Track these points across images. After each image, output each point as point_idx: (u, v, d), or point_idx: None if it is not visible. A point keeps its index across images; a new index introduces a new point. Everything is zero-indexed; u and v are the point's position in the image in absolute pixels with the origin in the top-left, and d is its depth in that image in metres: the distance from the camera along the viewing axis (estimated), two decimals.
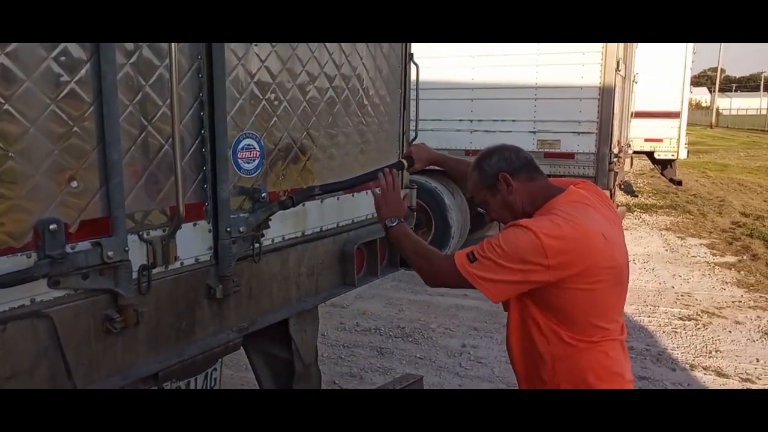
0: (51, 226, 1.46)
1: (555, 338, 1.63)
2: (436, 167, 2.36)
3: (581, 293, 1.58)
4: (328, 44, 2.30)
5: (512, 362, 1.82)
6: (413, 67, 2.86)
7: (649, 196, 12.14)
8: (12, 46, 1.37)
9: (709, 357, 4.50)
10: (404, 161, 2.33)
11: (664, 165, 11.09)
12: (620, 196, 11.72)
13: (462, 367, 4.34)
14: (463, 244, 7.01)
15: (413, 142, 2.90)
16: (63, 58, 1.47)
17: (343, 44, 2.38)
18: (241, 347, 2.44)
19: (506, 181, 1.73)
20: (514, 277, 1.56)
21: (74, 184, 1.52)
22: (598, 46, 5.88)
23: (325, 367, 4.28)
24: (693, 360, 4.44)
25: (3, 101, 1.36)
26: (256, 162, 2.04)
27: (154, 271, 1.73)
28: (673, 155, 10.41)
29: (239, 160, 1.98)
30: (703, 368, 4.31)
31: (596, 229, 1.59)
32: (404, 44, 2.77)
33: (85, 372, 1.58)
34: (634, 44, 7.50)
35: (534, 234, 1.53)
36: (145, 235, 1.70)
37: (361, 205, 2.59)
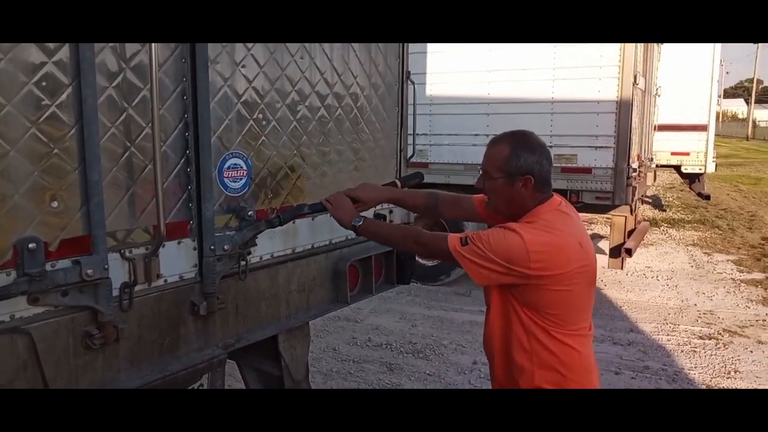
0: (30, 245, 1.50)
1: (533, 329, 1.73)
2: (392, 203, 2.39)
3: (559, 294, 1.69)
4: (319, 64, 2.33)
5: (489, 347, 1.89)
6: (411, 85, 2.87)
7: (678, 211, 11.90)
8: None
9: (728, 377, 4.37)
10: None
11: (692, 179, 10.81)
12: (647, 211, 11.51)
13: (471, 384, 4.30)
14: None
15: (411, 160, 2.92)
16: (44, 83, 1.52)
17: (335, 63, 2.41)
18: (234, 362, 2.48)
19: (527, 184, 1.75)
20: (497, 269, 1.67)
21: (54, 203, 1.57)
22: (614, 60, 5.81)
23: (333, 382, 4.29)
24: (710, 381, 4.32)
25: None
26: (243, 181, 2.07)
27: (137, 288, 1.76)
28: (700, 169, 10.16)
29: (225, 179, 2.01)
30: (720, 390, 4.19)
31: (574, 237, 1.71)
32: (401, 62, 2.79)
33: (64, 386, 1.62)
34: (655, 57, 7.39)
35: (522, 240, 1.64)
36: (127, 253, 1.74)
37: None
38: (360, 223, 2.00)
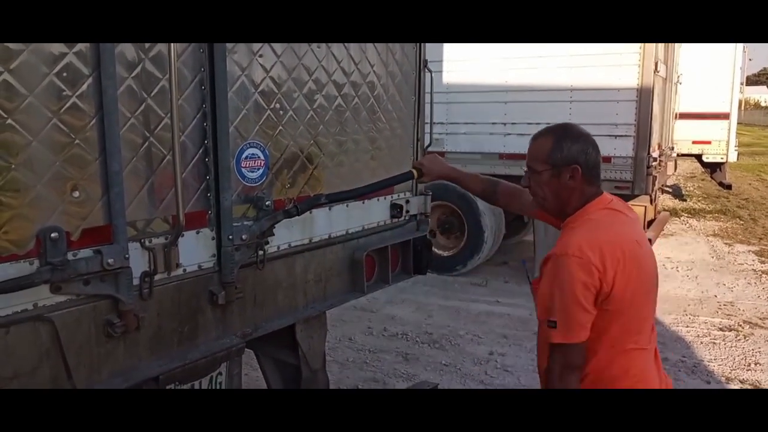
0: (52, 234, 1.52)
1: (594, 349, 1.60)
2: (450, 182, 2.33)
3: (623, 300, 1.56)
4: (336, 53, 2.32)
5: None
6: (428, 74, 2.85)
7: (699, 200, 11.74)
8: (15, 63, 1.44)
9: (747, 370, 4.32)
10: (414, 171, 2.32)
11: (714, 168, 10.66)
12: (668, 201, 11.36)
13: (487, 375, 4.29)
14: (497, 249, 6.93)
15: (428, 149, 2.90)
16: (65, 74, 1.54)
17: (352, 52, 2.40)
18: (252, 351, 2.50)
19: (575, 175, 1.67)
20: (588, 307, 1.55)
21: (76, 193, 1.59)
22: (635, 47, 5.72)
23: (349, 371, 4.32)
24: (730, 373, 4.27)
25: (6, 115, 1.43)
26: (261, 171, 2.08)
27: (156, 277, 1.78)
28: (722, 158, 10.01)
29: (243, 169, 2.02)
30: (740, 381, 4.15)
31: (629, 236, 1.62)
32: (418, 51, 2.77)
33: (86, 374, 1.64)
34: (676, 44, 7.27)
35: (577, 257, 1.54)
36: (146, 243, 1.76)
37: (372, 213, 2.60)
38: None
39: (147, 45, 1.71)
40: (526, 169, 1.77)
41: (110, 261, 1.62)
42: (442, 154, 6.67)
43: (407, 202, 2.79)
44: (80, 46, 1.55)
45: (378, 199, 2.62)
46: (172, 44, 1.64)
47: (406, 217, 2.79)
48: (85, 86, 1.57)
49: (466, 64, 6.58)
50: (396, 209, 2.70)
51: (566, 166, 1.67)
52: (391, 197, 2.71)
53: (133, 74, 1.70)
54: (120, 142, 1.63)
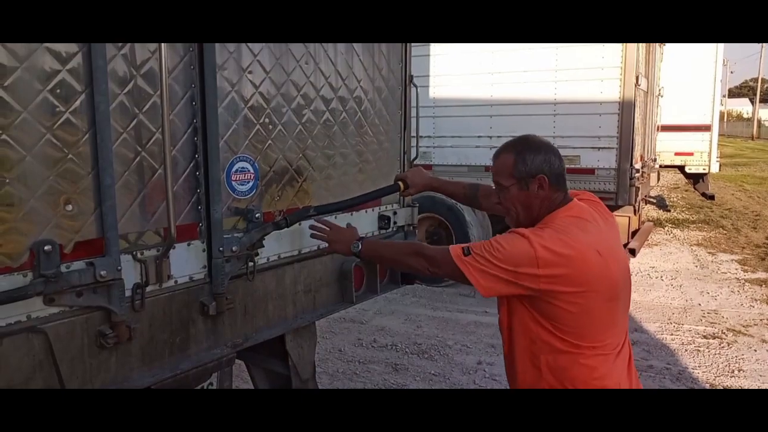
0: (46, 247, 1.55)
1: (546, 345, 1.67)
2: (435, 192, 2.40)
3: (574, 305, 1.61)
4: (323, 69, 2.38)
5: (508, 375, 1.88)
6: (413, 89, 2.92)
7: (683, 211, 11.88)
8: (10, 80, 1.48)
9: (731, 376, 4.39)
10: (400, 183, 2.37)
11: (696, 179, 10.87)
12: (652, 211, 11.52)
13: (476, 384, 4.33)
14: None
15: (414, 162, 2.96)
16: (58, 90, 1.58)
17: (339, 68, 2.46)
18: (243, 362, 2.53)
19: (541, 184, 1.71)
20: (504, 276, 1.61)
21: (69, 207, 1.62)
22: (616, 61, 5.85)
23: (339, 382, 4.33)
24: (714, 380, 4.34)
25: (0, 131, 1.47)
26: (251, 184, 2.12)
27: (148, 289, 1.81)
28: (704, 169, 10.20)
29: (233, 182, 2.06)
30: (724, 388, 4.21)
31: (591, 245, 1.63)
32: (403, 66, 2.84)
33: (78, 385, 1.66)
34: (657, 58, 7.42)
35: (530, 243, 1.59)
36: (138, 255, 1.79)
37: (360, 224, 2.64)
38: (359, 248, 1.96)
39: (139, 62, 1.76)
40: (494, 185, 1.82)
41: (103, 273, 1.65)
42: (429, 167, 6.75)
43: (395, 213, 2.84)
44: (73, 63, 1.60)
45: (366, 211, 2.67)
46: (163, 60, 1.68)
47: (394, 228, 2.85)
48: (78, 102, 1.61)
49: (452, 78, 6.69)
50: (384, 220, 2.75)
51: (532, 177, 1.71)
52: (379, 209, 2.76)
53: (125, 90, 1.74)
54: (112, 156, 1.67)
